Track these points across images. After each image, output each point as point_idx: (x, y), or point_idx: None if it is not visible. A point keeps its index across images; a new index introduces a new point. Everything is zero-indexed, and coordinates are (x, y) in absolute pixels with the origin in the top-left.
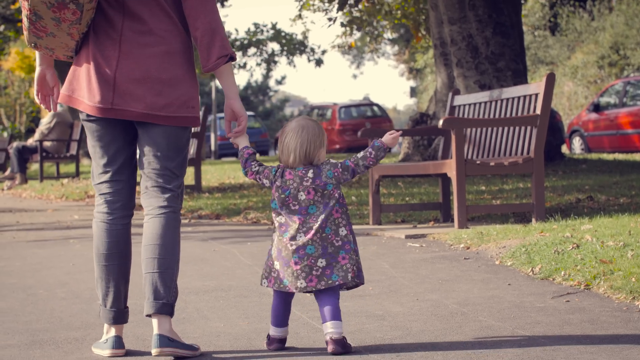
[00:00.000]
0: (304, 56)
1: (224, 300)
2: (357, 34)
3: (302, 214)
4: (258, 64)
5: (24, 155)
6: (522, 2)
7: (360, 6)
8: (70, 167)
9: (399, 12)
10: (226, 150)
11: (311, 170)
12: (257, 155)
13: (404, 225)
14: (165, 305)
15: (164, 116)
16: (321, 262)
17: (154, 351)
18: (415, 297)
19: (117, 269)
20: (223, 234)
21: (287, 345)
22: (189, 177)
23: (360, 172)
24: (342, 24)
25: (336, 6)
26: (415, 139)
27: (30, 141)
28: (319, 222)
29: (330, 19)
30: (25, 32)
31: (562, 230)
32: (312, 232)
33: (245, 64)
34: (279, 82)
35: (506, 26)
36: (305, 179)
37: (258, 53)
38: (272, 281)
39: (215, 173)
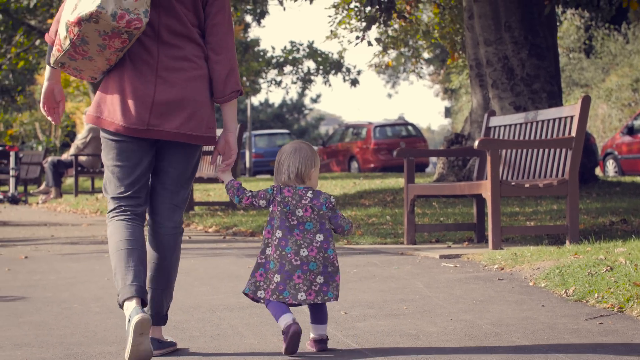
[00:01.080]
0: (340, 75)
1: (258, 317)
2: (393, 54)
3: (300, 229)
4: (294, 82)
5: (59, 169)
6: (558, 24)
7: (396, 26)
8: None
9: (436, 32)
10: (261, 168)
11: (310, 191)
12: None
13: (438, 245)
14: (163, 317)
15: (194, 135)
16: (320, 279)
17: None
18: (449, 317)
19: (136, 254)
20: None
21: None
22: (224, 194)
23: (334, 227)
24: (369, 43)
25: (364, 24)
26: (450, 159)
27: (66, 155)
28: (319, 241)
29: (357, 37)
30: (57, 53)
31: (596, 252)
32: (315, 250)
33: (281, 82)
34: (314, 101)
35: (542, 48)
36: (304, 197)
37: (294, 71)
38: (270, 292)
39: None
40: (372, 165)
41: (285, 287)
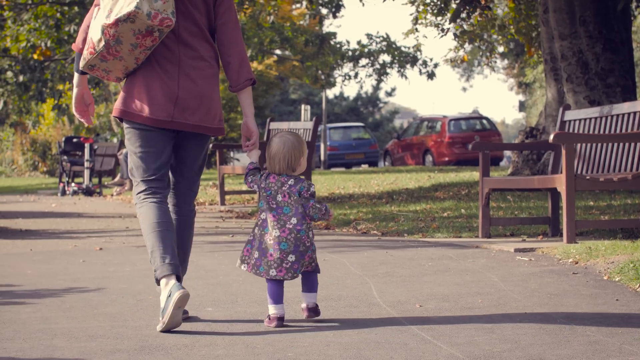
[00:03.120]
0: (416, 68)
1: (333, 310)
2: (468, 48)
3: (278, 212)
4: (369, 75)
5: None
6: (632, 18)
7: (472, 20)
8: None
9: (512, 27)
10: (335, 161)
11: (292, 179)
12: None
13: (513, 238)
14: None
15: (210, 127)
16: (291, 257)
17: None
18: (524, 310)
19: (171, 235)
20: (333, 243)
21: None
22: None
23: (309, 212)
24: (455, 35)
25: (449, 17)
26: (525, 153)
27: None
28: (292, 224)
29: (442, 30)
30: (88, 56)
31: None
32: (287, 231)
33: (357, 74)
34: (389, 94)
35: (616, 42)
36: (285, 185)
37: (369, 64)
38: (250, 267)
39: (325, 183)
40: (446, 159)
41: (261, 263)
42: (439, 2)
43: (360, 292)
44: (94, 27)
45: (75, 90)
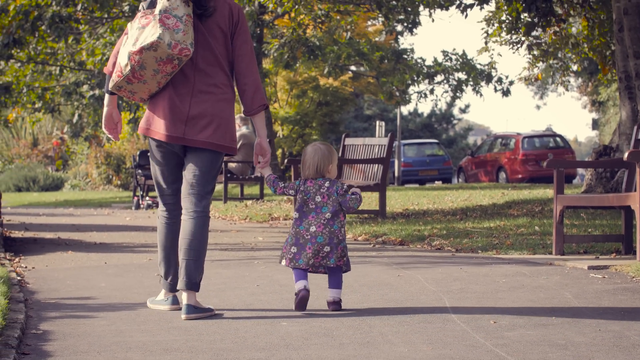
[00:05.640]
0: (490, 86)
1: (408, 325)
2: (542, 66)
3: (317, 212)
4: (445, 91)
5: None
6: None
7: (547, 38)
8: (254, 189)
9: (585, 45)
10: (409, 177)
11: (328, 182)
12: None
13: (586, 256)
14: (194, 284)
15: (220, 145)
16: (327, 248)
17: (183, 316)
18: (598, 327)
19: (175, 254)
20: (407, 259)
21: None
22: (372, 203)
23: (345, 208)
24: (529, 47)
25: (523, 30)
26: (598, 171)
27: None
28: (326, 219)
29: (516, 43)
30: (116, 79)
31: None
32: (322, 226)
33: (432, 91)
34: (463, 111)
35: None
36: (322, 187)
37: (445, 81)
38: (288, 261)
39: (399, 199)
40: (520, 176)
41: (300, 257)
42: (512, 20)
43: (435, 308)
44: (122, 53)
45: (105, 109)
